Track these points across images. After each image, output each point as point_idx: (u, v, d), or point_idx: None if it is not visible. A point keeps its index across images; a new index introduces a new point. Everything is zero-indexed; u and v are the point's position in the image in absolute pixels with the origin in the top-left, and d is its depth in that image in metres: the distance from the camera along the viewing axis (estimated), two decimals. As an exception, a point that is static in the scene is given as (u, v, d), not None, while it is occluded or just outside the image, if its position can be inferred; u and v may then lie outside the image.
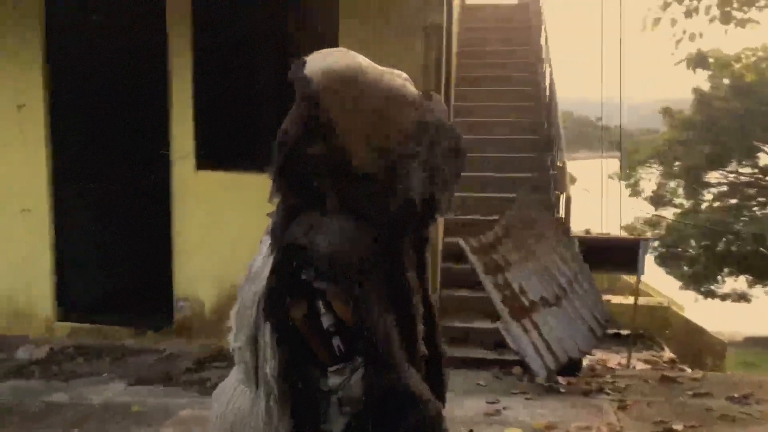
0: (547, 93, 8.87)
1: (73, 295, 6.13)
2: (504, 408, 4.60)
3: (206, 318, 5.63)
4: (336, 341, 1.85)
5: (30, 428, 4.19)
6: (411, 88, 1.94)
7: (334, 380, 1.85)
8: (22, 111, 5.93)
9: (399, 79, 1.93)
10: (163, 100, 5.79)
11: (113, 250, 6.20)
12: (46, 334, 5.98)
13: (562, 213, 7.17)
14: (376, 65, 1.90)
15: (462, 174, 2.00)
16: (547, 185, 7.42)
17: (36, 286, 6.01)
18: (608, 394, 4.89)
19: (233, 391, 2.15)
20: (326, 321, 1.87)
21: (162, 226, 5.87)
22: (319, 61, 1.85)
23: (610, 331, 8.14)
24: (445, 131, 1.93)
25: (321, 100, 1.81)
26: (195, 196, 5.79)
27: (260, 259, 2.04)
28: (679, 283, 20.87)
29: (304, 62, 1.85)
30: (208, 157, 5.77)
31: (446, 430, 1.82)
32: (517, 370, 5.32)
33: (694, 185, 21.45)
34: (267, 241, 1.99)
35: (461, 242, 5.91)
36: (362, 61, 1.88)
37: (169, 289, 5.91)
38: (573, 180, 7.40)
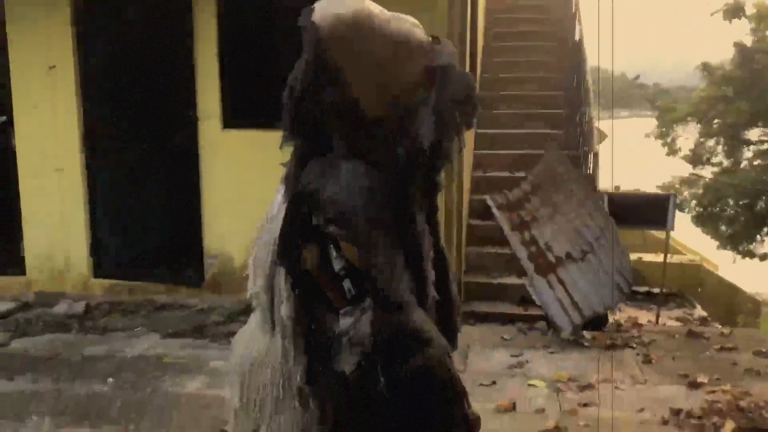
0: (577, 49, 8.72)
1: (107, 253, 6.29)
2: (527, 361, 4.64)
3: (236, 273, 5.73)
4: (347, 284, 1.90)
5: (69, 378, 4.36)
6: (420, 33, 1.94)
7: (345, 322, 1.90)
8: (53, 72, 6.04)
9: (408, 23, 1.93)
10: (188, 60, 5.83)
11: (144, 209, 6.34)
12: (83, 290, 6.17)
13: (590, 169, 7.11)
14: (384, 10, 1.90)
15: (475, 120, 2.01)
16: (576, 142, 7.35)
17: (72, 244, 6.18)
18: (633, 348, 4.90)
19: (251, 336, 2.23)
20: (337, 265, 1.92)
21: (191, 184, 5.97)
22: (327, 7, 1.86)
23: (641, 290, 8.11)
24: (455, 76, 1.94)
25: (329, 46, 1.83)
26: (222, 155, 5.87)
27: (275, 206, 2.10)
28: (716, 243, 20.54)
29: (313, 9, 1.86)
30: (235, 116, 5.83)
31: (454, 371, 1.85)
32: (541, 324, 5.34)
33: (734, 143, 20.94)
34: (282, 189, 2.03)
35: (488, 199, 5.92)
36: (371, 6, 1.89)
37: (199, 247, 6.04)
38: (603, 136, 7.29)
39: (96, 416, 3.82)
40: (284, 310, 1.97)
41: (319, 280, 1.94)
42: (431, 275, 2.04)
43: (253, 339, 2.19)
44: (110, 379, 4.33)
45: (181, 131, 5.97)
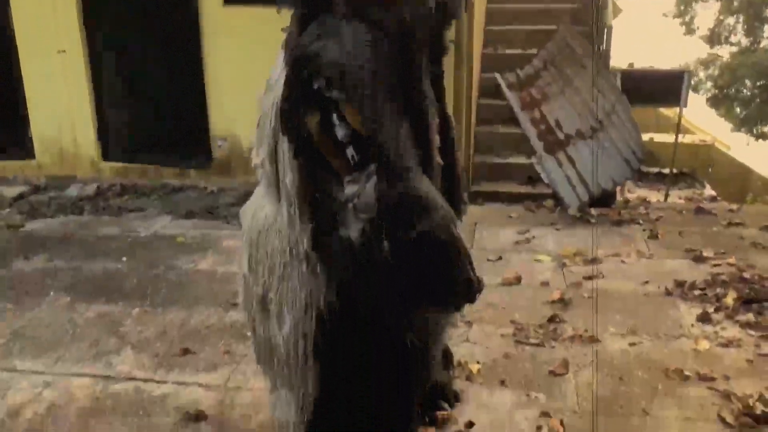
0: None
1: (115, 136, 6.28)
2: (534, 237, 4.69)
3: (244, 155, 5.72)
4: (350, 151, 1.88)
5: (83, 257, 4.46)
6: None
7: (349, 189, 1.90)
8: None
9: None
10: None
11: (148, 91, 6.26)
12: (93, 173, 6.20)
13: (604, 45, 6.89)
14: None
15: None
16: (590, 16, 7.09)
17: (79, 127, 6.15)
18: (640, 224, 4.92)
19: (257, 205, 2.24)
20: (340, 131, 1.89)
21: (194, 64, 5.86)
22: None
23: (652, 170, 8.07)
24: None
25: None
26: (224, 32, 5.71)
27: (276, 72, 2.05)
28: (729, 126, 20.25)
29: None
30: (235, -9, 5.64)
31: (457, 235, 1.86)
32: (549, 203, 5.36)
33: (755, 21, 20.19)
34: (282, 54, 1.98)
35: (498, 77, 5.79)
36: None
37: (206, 129, 6.00)
38: (618, 11, 7.03)
39: (111, 292, 3.93)
40: (288, 178, 1.97)
41: (322, 148, 1.92)
42: (436, 141, 2.02)
43: (259, 208, 2.21)
44: (124, 258, 4.42)
45: (181, 8, 5.79)
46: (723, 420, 2.64)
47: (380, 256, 1.82)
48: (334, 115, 1.89)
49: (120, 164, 6.22)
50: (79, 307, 3.76)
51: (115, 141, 6.28)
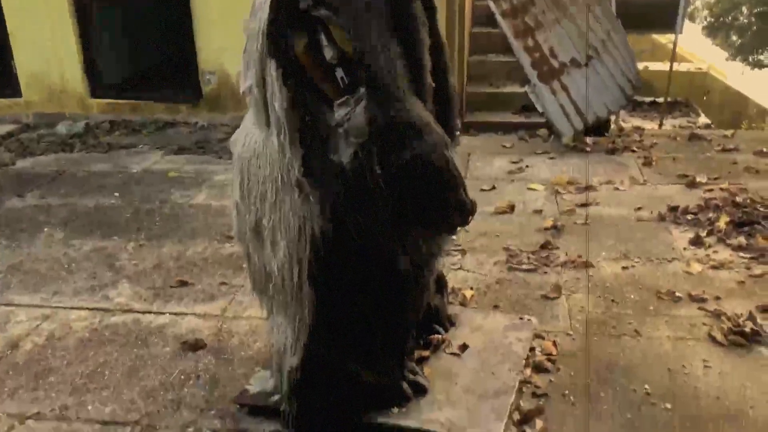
0: None
1: (103, 72, 6.17)
2: (527, 166, 4.69)
3: (234, 89, 5.65)
4: (339, 73, 1.85)
5: (76, 193, 4.44)
6: None
7: (339, 112, 1.88)
8: None
9: None
10: None
11: (134, 25, 6.12)
12: (82, 110, 6.11)
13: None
14: None
15: None
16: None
17: (65, 63, 6.03)
18: (634, 151, 4.91)
19: (247, 132, 2.21)
20: (328, 52, 1.86)
21: (180, -2, 5.71)
22: None
23: (647, 100, 8.01)
24: None
25: None
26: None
27: (262, -7, 1.99)
28: (725, 55, 19.98)
29: None
30: None
31: (450, 158, 1.85)
32: (542, 132, 5.33)
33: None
34: (267, -26, 1.92)
35: (491, 4, 5.66)
36: None
37: (194, 63, 5.89)
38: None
39: (106, 227, 3.93)
40: (277, 103, 1.94)
41: (311, 71, 1.89)
42: (428, 63, 1.98)
43: (249, 135, 2.18)
44: (116, 194, 4.41)
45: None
46: (713, 339, 2.69)
47: (372, 180, 1.82)
48: (322, 36, 1.86)
49: (109, 101, 6.13)
50: (75, 242, 3.77)
51: (103, 77, 6.17)
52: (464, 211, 1.84)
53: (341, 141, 1.86)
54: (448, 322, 2.71)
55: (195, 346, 2.79)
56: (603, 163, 4.68)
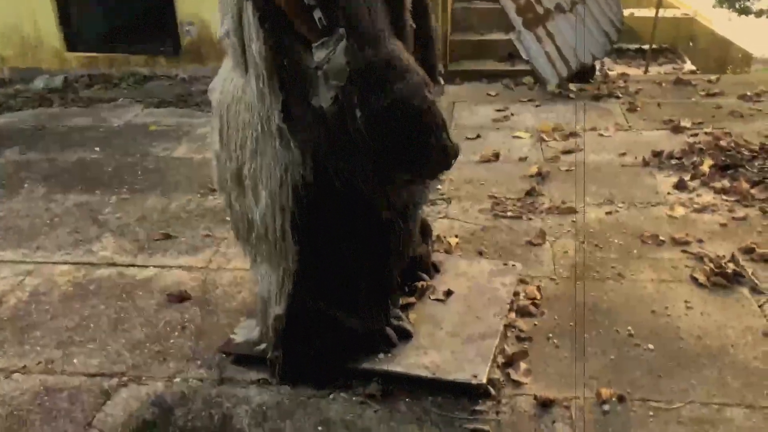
0: None
1: (79, 25, 6.02)
2: (512, 114, 4.66)
3: (214, 40, 5.53)
4: (317, 14, 1.81)
5: (57, 148, 4.37)
6: None
7: (318, 55, 1.84)
8: None
9: None
10: None
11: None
12: (59, 65, 5.98)
13: None
14: None
15: None
16: None
17: (40, 16, 5.88)
18: (619, 98, 4.89)
19: (226, 78, 2.17)
20: (306, -7, 1.81)
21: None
22: None
23: (632, 47, 7.92)
24: None
25: None
26: None
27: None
28: (711, 2, 19.80)
29: None
30: None
31: (431, 101, 1.82)
32: (528, 80, 5.28)
33: None
34: None
35: (474, -51, 5.56)
36: None
37: (172, 13, 5.76)
38: None
39: (88, 181, 3.88)
40: (255, 47, 1.89)
41: (288, 12, 1.84)
42: (408, 3, 1.94)
43: (227, 81, 2.14)
44: (97, 148, 4.34)
45: None
46: (696, 280, 2.72)
47: (353, 125, 1.79)
48: (299, -24, 1.80)
49: (86, 54, 6.00)
50: (56, 196, 3.72)
51: (80, 30, 6.02)
52: (446, 155, 1.82)
53: (321, 85, 1.82)
54: (433, 269, 2.72)
55: (180, 297, 2.78)
56: (588, 110, 4.65)
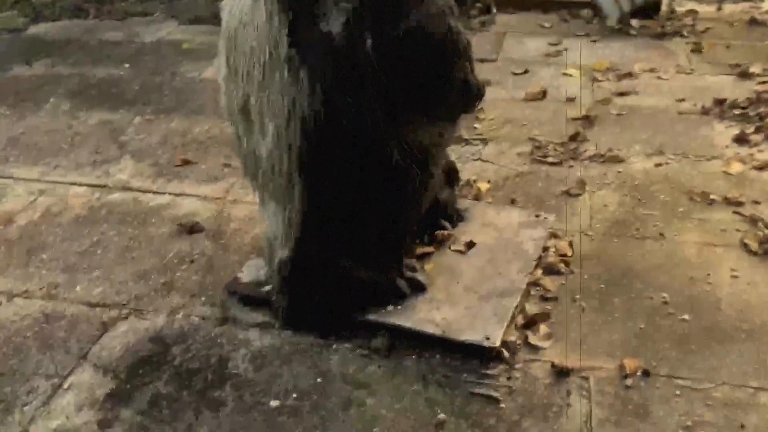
0: None
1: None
2: (565, 49, 4.32)
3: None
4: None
5: (87, 62, 4.26)
6: None
7: (329, -28, 1.63)
8: None
9: None
10: None
11: None
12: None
13: None
14: None
15: None
16: None
17: None
18: (684, 36, 4.50)
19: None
20: None
21: None
22: None
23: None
24: None
25: None
26: None
27: None
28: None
29: None
30: None
31: (455, 29, 1.59)
32: (586, 12, 4.89)
33: None
34: None
35: None
36: None
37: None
38: None
39: (114, 98, 3.77)
40: (263, -38, 1.69)
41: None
42: None
43: (234, 15, 1.94)
44: (126, 65, 4.21)
45: None
46: (746, 246, 2.47)
47: (363, 55, 1.59)
48: None
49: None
50: (81, 114, 3.63)
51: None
52: (468, 95, 1.60)
53: (330, 6, 1.61)
54: (457, 217, 2.53)
55: (192, 229, 2.67)
56: (648, 49, 4.29)
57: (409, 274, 2.20)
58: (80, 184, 2.99)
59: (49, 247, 2.60)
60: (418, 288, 2.19)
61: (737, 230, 2.57)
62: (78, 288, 2.38)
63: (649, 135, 3.25)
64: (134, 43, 4.58)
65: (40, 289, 2.38)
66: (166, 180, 3.02)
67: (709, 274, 2.35)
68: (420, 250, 2.37)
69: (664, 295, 2.26)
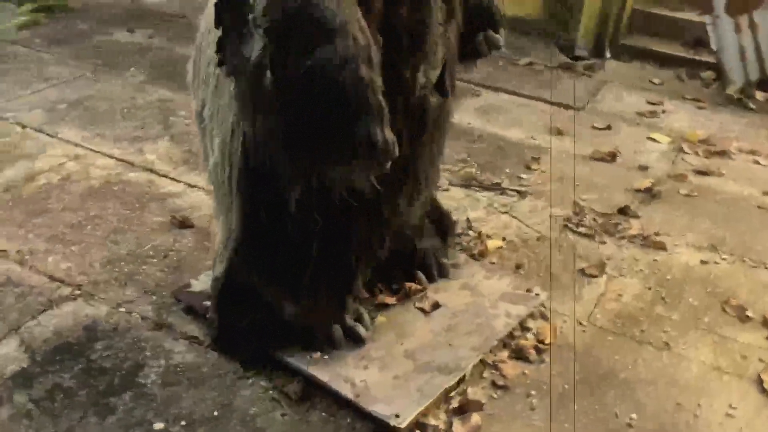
0: None
1: None
2: (664, 111, 3.91)
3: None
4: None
5: (182, 39, 4.35)
6: None
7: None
8: None
9: None
10: None
11: None
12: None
13: None
14: None
15: None
16: None
17: None
18: (810, 121, 3.94)
19: (208, 13, 1.90)
20: None
21: None
22: None
23: None
24: None
25: None
26: None
27: None
28: None
29: None
30: None
31: (368, 78, 1.40)
32: (707, 74, 4.41)
33: None
34: None
35: None
36: None
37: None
38: None
39: (183, 78, 3.82)
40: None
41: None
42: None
43: (208, 15, 1.87)
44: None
45: None
46: (761, 382, 2.08)
47: (266, 83, 1.44)
48: None
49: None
50: (149, 87, 3.72)
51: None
52: (374, 153, 1.41)
53: (254, 32, 1.49)
54: (438, 272, 2.31)
55: (183, 223, 2.64)
56: (759, 128, 3.79)
57: (350, 323, 2.03)
58: (110, 157, 3.06)
59: (47, 213, 2.66)
60: (356, 340, 2.02)
61: (760, 360, 2.17)
62: (50, 259, 2.41)
63: (710, 225, 2.85)
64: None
65: (17, 251, 2.43)
66: (188, 168, 3.02)
67: (700, 405, 2.00)
68: (381, 299, 2.19)
69: (633, 416, 1.94)
